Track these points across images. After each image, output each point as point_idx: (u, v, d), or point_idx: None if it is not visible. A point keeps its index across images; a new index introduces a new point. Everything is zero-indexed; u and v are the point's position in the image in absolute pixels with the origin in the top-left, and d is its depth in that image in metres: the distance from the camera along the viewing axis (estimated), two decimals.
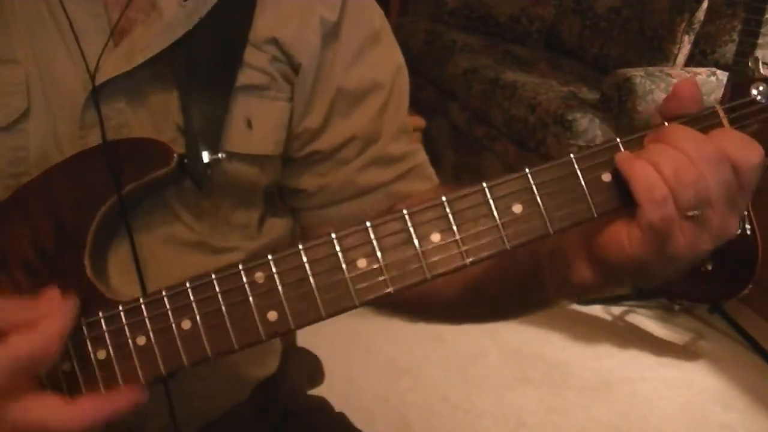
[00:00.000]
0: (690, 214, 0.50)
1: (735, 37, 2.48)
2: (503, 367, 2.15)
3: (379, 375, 2.07)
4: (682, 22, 2.69)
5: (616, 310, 2.44)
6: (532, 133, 2.63)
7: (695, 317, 2.44)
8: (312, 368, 0.97)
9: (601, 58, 3.12)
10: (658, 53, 2.76)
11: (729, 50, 2.54)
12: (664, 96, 2.23)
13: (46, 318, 0.52)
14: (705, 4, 2.67)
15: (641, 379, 2.15)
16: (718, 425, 2.00)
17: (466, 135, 3.11)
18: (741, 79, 0.69)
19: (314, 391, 0.96)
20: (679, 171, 0.50)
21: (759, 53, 2.13)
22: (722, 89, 2.14)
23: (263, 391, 0.84)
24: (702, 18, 2.70)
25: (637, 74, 2.43)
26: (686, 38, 2.71)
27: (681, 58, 2.73)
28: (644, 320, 2.41)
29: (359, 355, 2.10)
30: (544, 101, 2.64)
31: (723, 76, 2.41)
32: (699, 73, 2.53)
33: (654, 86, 2.40)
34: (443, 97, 3.23)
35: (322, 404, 0.93)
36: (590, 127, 2.47)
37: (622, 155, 0.53)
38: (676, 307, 2.39)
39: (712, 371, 2.21)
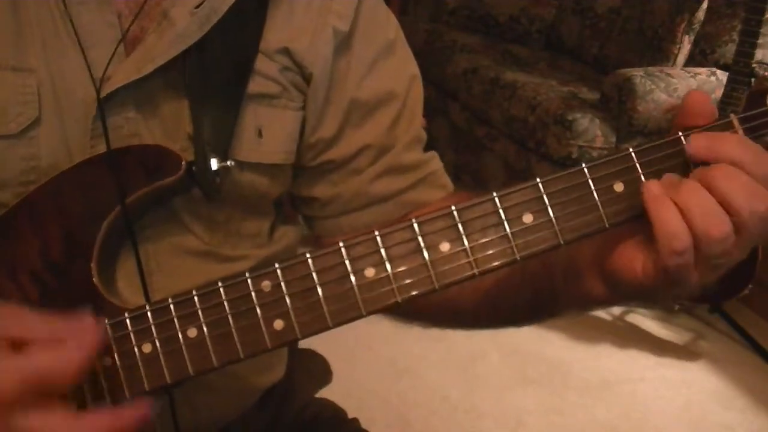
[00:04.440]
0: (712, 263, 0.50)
1: (735, 37, 2.47)
2: (503, 367, 2.15)
3: (380, 375, 2.06)
4: (682, 22, 2.69)
5: (616, 310, 2.44)
6: (532, 133, 2.63)
7: (695, 317, 2.44)
8: (320, 370, 0.96)
9: (601, 58, 3.12)
10: (658, 53, 2.76)
11: (729, 50, 2.53)
12: (664, 96, 2.24)
13: (75, 341, 0.51)
14: (705, 4, 2.67)
15: (641, 379, 2.15)
16: (718, 425, 2.00)
17: (466, 135, 3.11)
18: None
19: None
20: (709, 226, 0.49)
21: (759, 53, 2.13)
22: (722, 89, 2.14)
23: (272, 398, 0.83)
24: (702, 18, 2.70)
25: (637, 74, 2.42)
26: (686, 38, 2.71)
27: (681, 58, 2.73)
28: (644, 320, 2.41)
29: (360, 355, 2.10)
30: (544, 101, 2.64)
31: (723, 76, 2.41)
32: (699, 73, 2.53)
33: (654, 86, 2.40)
34: (443, 97, 3.23)
35: (336, 411, 0.92)
36: (590, 127, 2.47)
37: (653, 192, 0.51)
38: (676, 307, 2.39)
39: (712, 371, 2.21)
